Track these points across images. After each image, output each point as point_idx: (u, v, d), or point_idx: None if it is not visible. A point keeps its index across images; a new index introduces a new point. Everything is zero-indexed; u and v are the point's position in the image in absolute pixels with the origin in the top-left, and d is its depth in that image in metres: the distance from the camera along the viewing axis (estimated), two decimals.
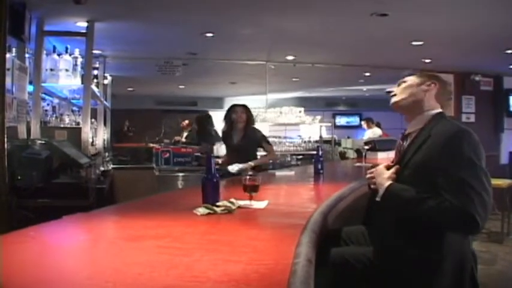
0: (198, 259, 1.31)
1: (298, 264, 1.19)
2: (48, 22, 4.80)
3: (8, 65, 3.39)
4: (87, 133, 4.77)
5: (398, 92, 2.20)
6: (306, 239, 1.46)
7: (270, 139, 6.80)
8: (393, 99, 2.21)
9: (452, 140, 1.88)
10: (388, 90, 2.29)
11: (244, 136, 4.63)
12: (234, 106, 4.73)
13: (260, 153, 4.82)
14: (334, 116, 13.27)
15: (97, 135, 6.36)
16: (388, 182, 2.03)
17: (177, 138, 8.71)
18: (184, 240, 1.56)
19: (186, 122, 9.39)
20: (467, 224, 1.79)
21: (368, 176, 2.21)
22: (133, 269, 1.21)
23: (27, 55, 4.30)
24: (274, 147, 6.56)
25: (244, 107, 4.71)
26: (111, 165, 6.05)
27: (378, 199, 2.05)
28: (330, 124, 7.39)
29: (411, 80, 2.19)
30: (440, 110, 2.13)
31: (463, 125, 1.98)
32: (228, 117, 4.74)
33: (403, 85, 2.20)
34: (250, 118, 4.71)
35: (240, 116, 4.64)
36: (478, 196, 1.80)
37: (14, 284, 1.11)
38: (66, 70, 4.64)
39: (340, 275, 2.00)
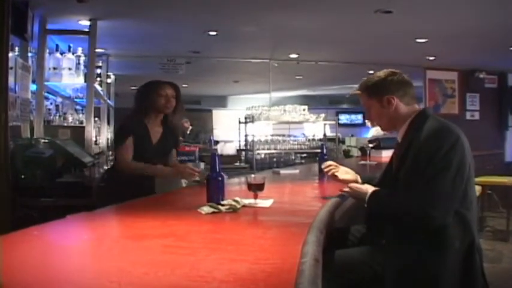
0: (203, 258, 1.30)
1: (305, 263, 1.17)
2: (51, 21, 4.80)
3: (11, 63, 3.39)
4: (90, 132, 4.77)
5: (377, 121, 2.25)
6: (312, 238, 1.44)
7: (274, 137, 6.81)
8: (381, 129, 2.30)
9: (429, 139, 1.93)
10: (370, 124, 2.35)
11: (165, 133, 3.12)
12: (159, 84, 3.04)
13: None
14: (337, 114, 13.24)
15: (100, 134, 6.36)
16: (372, 189, 2.11)
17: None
18: (189, 240, 1.55)
19: (185, 124, 9.38)
20: (421, 222, 1.87)
21: (346, 190, 2.26)
22: (139, 269, 1.20)
23: (30, 54, 4.30)
24: (278, 146, 6.57)
25: (176, 87, 3.09)
26: None
27: (366, 205, 2.10)
28: (333, 122, 7.37)
29: (371, 106, 2.20)
30: (417, 109, 2.14)
31: (445, 121, 2.01)
32: (146, 102, 3.01)
33: (373, 114, 2.22)
34: (179, 104, 3.10)
35: (170, 101, 3.03)
36: (439, 194, 1.85)
37: (18, 283, 1.10)
38: (69, 69, 4.64)
39: (345, 277, 1.99)
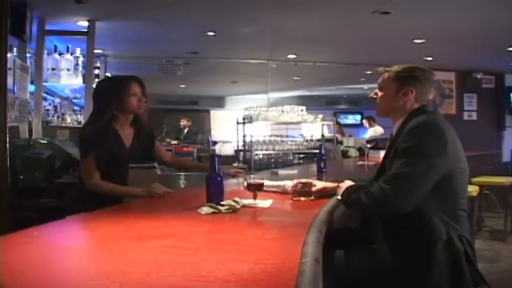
0: (204, 258, 1.30)
1: (305, 263, 1.18)
2: (49, 21, 4.80)
3: (9, 64, 3.39)
4: None
5: (379, 101, 2.26)
6: (312, 238, 1.45)
7: (272, 138, 6.81)
8: (376, 109, 2.31)
9: (409, 132, 1.98)
10: (371, 96, 2.34)
11: (137, 134, 2.82)
12: (128, 82, 2.68)
13: None
14: (335, 115, 13.22)
15: None
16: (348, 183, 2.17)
17: (173, 142, 8.62)
18: (190, 240, 1.55)
19: (184, 121, 9.37)
20: (379, 205, 1.93)
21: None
22: (140, 269, 1.20)
23: (28, 55, 4.30)
24: (276, 147, 6.57)
25: (141, 82, 2.73)
26: None
27: (338, 198, 2.14)
28: (331, 123, 7.37)
29: (388, 87, 2.21)
30: (418, 105, 2.15)
31: (437, 118, 2.05)
32: (114, 103, 2.65)
33: (382, 95, 2.24)
34: (146, 101, 2.77)
35: (142, 100, 2.72)
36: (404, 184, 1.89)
37: (19, 284, 1.10)
38: (68, 69, 4.66)
39: (345, 277, 2.00)
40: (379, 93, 2.26)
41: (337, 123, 10.89)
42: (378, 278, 1.96)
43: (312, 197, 2.29)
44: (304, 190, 2.31)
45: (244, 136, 6.75)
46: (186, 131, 9.25)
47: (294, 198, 2.31)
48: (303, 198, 2.30)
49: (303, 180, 2.36)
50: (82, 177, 2.66)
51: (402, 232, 1.96)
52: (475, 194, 4.81)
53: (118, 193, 2.60)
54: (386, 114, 2.25)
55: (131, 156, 2.79)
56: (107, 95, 2.67)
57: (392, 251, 1.96)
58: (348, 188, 2.12)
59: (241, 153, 6.83)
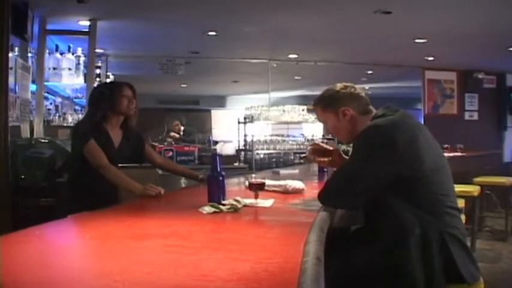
0: (206, 258, 1.30)
1: (307, 262, 1.17)
2: (51, 21, 4.80)
3: (10, 64, 3.40)
4: None
5: (334, 133, 2.37)
6: (314, 237, 1.44)
7: (273, 137, 6.81)
8: (341, 140, 2.46)
9: (356, 136, 2.07)
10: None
11: (125, 136, 2.98)
12: (121, 85, 2.91)
13: None
14: None
15: None
16: None
17: (175, 135, 8.62)
18: (192, 239, 1.55)
19: (177, 124, 9.35)
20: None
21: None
22: (142, 268, 1.20)
23: (29, 54, 4.31)
24: (277, 146, 6.57)
25: (133, 88, 2.94)
26: None
27: None
28: None
29: (328, 118, 2.30)
30: (370, 114, 2.19)
31: (386, 121, 2.04)
32: (108, 103, 2.83)
33: (330, 127, 2.31)
34: (137, 106, 2.97)
35: (132, 102, 2.91)
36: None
37: (19, 284, 1.10)
38: (69, 69, 4.66)
39: (345, 276, 2.00)
40: (329, 127, 2.32)
41: None
42: (378, 277, 1.96)
43: (328, 158, 2.45)
44: (321, 149, 2.49)
45: (245, 136, 6.76)
46: (181, 132, 9.25)
47: (312, 159, 2.53)
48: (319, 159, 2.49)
49: (319, 143, 2.57)
50: (71, 178, 2.94)
51: (379, 228, 2.00)
52: (476, 194, 4.79)
53: (120, 181, 2.63)
54: (349, 138, 2.26)
55: (119, 156, 2.86)
56: (101, 95, 2.87)
57: (377, 248, 1.97)
58: None
59: (243, 153, 6.84)
